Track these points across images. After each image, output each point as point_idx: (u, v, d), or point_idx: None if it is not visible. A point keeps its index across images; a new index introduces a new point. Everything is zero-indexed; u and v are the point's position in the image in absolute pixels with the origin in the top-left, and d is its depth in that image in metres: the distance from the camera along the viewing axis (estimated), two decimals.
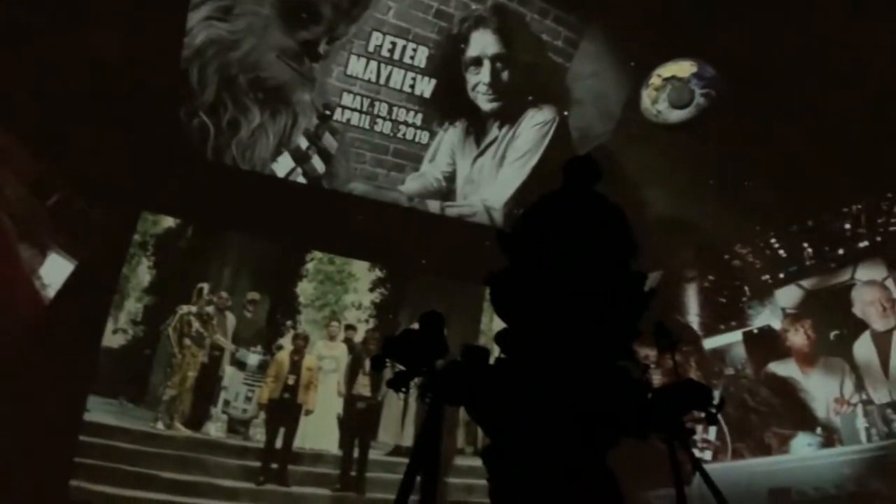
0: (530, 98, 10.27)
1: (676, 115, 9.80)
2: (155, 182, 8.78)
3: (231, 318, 10.24)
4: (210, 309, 9.85)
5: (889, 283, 8.84)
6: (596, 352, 3.01)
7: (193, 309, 9.66)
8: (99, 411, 8.94)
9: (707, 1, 8.70)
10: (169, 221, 10.78)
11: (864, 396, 8.71)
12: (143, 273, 10.74)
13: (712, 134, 9.44)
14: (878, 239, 9.07)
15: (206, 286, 10.00)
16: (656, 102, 9.84)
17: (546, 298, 2.99)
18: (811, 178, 8.77)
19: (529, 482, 2.81)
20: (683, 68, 9.68)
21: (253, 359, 10.17)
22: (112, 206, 8.67)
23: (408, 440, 10.00)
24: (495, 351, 3.18)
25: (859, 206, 9.28)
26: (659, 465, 3.42)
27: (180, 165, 8.75)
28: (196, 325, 9.56)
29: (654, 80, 9.84)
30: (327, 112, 9.56)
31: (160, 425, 9.10)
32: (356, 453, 9.44)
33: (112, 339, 9.90)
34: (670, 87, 9.68)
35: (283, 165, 9.49)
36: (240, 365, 10.09)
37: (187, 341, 9.44)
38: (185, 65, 8.61)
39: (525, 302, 3.07)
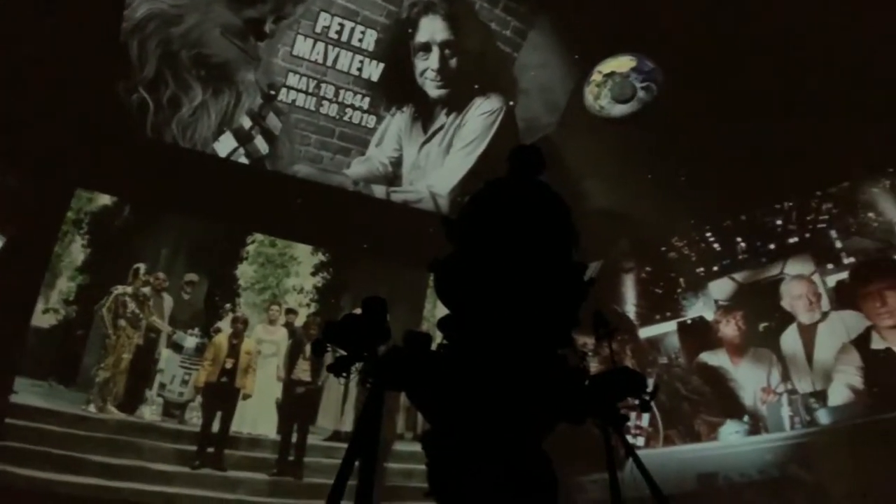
0: (478, 86, 10.31)
1: (619, 110, 10.00)
2: (91, 158, 8.50)
3: (168, 300, 10.02)
4: (146, 290, 9.60)
5: (816, 277, 9.23)
6: (536, 339, 3.06)
7: (129, 289, 9.40)
8: (27, 393, 8.65)
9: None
10: (105, 199, 10.46)
11: (789, 386, 9.10)
12: (76, 251, 10.41)
13: (653, 129, 9.66)
14: (807, 235, 9.45)
15: (142, 266, 9.73)
16: (598, 98, 10.03)
17: (489, 285, 3.03)
18: (746, 174, 9.06)
19: (467, 467, 2.85)
20: (623, 63, 9.90)
21: (190, 341, 9.98)
22: (44, 182, 8.36)
23: (347, 425, 9.97)
24: (438, 338, 3.21)
25: (791, 204, 9.65)
26: (593, 451, 3.51)
27: (118, 142, 8.49)
28: (132, 305, 9.31)
29: (595, 76, 10.04)
30: (272, 92, 9.42)
31: (92, 408, 8.85)
32: (294, 438, 9.38)
33: (42, 318, 9.59)
34: (611, 83, 9.88)
35: (226, 145, 9.31)
36: (176, 347, 9.88)
37: (122, 322, 9.20)
38: (125, 38, 8.35)
39: (468, 288, 3.11)
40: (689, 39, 8.79)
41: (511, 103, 10.35)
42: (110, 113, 8.47)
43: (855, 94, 7.97)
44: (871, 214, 8.92)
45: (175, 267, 10.66)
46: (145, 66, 8.53)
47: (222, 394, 9.13)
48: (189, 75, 8.84)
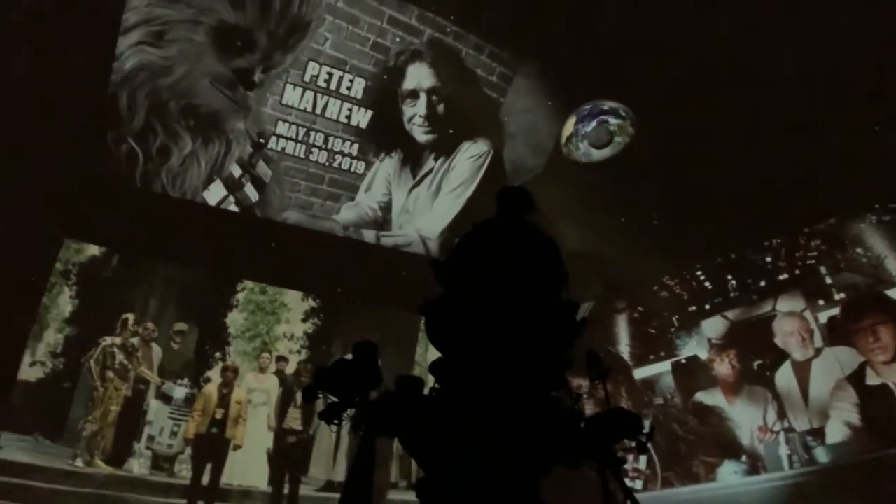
0: (465, 131, 10.41)
1: (599, 155, 10.13)
2: (79, 209, 8.49)
3: (157, 350, 9.91)
4: (135, 340, 9.51)
5: (807, 314, 9.22)
6: (529, 381, 3.02)
7: (117, 340, 9.30)
8: (13, 448, 8.49)
9: (631, 44, 8.99)
10: (93, 249, 10.42)
11: (785, 424, 9.01)
12: (64, 303, 10.33)
13: (637, 170, 9.75)
14: (797, 272, 9.48)
15: (131, 317, 9.65)
16: (575, 160, 10.24)
17: (479, 327, 3.00)
18: (733, 213, 9.12)
19: None
20: (568, 126, 10.18)
21: (179, 392, 9.82)
22: (32, 233, 8.33)
23: (340, 475, 9.80)
24: (431, 382, 3.16)
25: (779, 241, 9.70)
26: (590, 495, 3.43)
27: (106, 192, 8.49)
28: (120, 357, 9.20)
29: (563, 147, 10.25)
30: (261, 140, 9.47)
31: (79, 462, 8.67)
32: (286, 489, 9.19)
33: (29, 371, 9.47)
34: (573, 145, 10.11)
35: (215, 193, 9.32)
36: (165, 398, 9.73)
37: (110, 374, 9.07)
38: (114, 89, 8.41)
39: (458, 330, 3.07)
40: (668, 83, 8.94)
41: (488, 148, 10.44)
42: (99, 163, 8.49)
43: (839, 131, 8.08)
44: (859, 250, 8.96)
45: (164, 316, 10.59)
46: (135, 117, 8.57)
47: (212, 445, 8.96)
48: (178, 125, 8.88)
